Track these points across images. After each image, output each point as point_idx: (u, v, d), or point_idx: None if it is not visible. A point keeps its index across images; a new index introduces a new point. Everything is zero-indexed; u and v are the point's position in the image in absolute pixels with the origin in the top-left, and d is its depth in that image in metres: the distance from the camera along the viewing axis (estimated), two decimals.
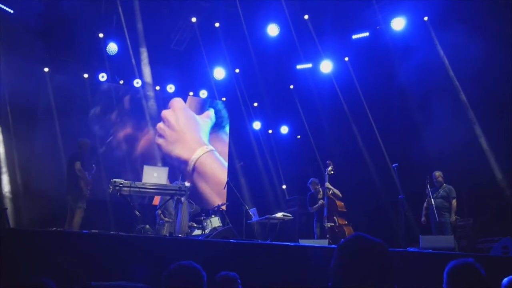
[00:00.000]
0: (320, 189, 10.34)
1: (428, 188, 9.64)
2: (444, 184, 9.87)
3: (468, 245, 9.67)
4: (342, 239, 2.11)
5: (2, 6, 11.43)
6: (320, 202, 10.10)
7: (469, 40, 10.14)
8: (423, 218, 9.94)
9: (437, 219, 9.44)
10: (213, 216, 10.89)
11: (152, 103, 14.26)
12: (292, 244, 6.84)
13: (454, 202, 9.67)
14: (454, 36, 10.61)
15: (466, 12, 10.23)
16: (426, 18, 11.50)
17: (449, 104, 10.79)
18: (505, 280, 3.26)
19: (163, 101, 14.53)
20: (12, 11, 11.57)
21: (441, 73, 11.17)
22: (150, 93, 14.19)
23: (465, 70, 10.61)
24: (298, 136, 15.18)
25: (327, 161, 10.35)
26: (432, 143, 10.97)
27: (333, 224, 9.77)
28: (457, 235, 9.53)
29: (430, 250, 7.30)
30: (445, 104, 10.77)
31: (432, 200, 9.54)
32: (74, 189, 9.42)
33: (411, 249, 7.80)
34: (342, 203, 9.98)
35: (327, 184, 10.13)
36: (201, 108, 15.06)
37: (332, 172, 10.21)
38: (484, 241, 9.64)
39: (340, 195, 10.13)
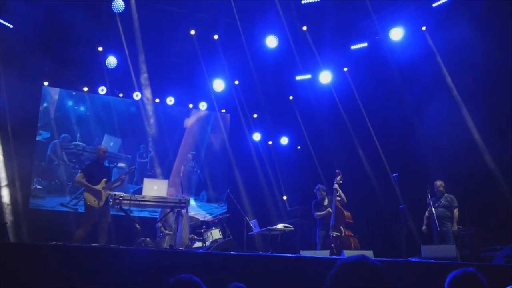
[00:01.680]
0: (326, 197, 10.28)
1: (429, 198, 9.63)
2: (446, 194, 9.85)
3: (470, 255, 9.63)
4: (344, 256, 2.08)
5: (2, 21, 11.48)
6: (328, 210, 10.02)
7: (468, 49, 10.18)
8: (424, 227, 9.92)
9: (439, 229, 9.42)
10: (213, 228, 10.87)
11: (151, 116, 14.32)
12: (293, 255, 6.81)
13: (456, 211, 9.65)
14: (452, 45, 10.65)
15: (464, 21, 10.26)
16: (424, 28, 11.54)
17: (449, 114, 10.81)
18: None
19: (163, 113, 14.58)
20: (11, 26, 11.62)
21: (440, 82, 11.19)
22: (149, 106, 14.26)
23: (464, 79, 10.63)
24: (298, 147, 15.18)
25: (337, 170, 10.27)
26: (432, 152, 10.98)
27: (339, 233, 9.71)
28: (459, 245, 9.49)
29: (432, 260, 7.27)
30: (445, 113, 10.78)
31: (433, 209, 9.52)
32: (81, 200, 9.11)
33: (413, 259, 7.78)
34: (349, 214, 9.92)
35: (336, 186, 10.05)
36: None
37: (341, 181, 10.16)
38: (486, 250, 9.61)
39: (345, 200, 10.06)
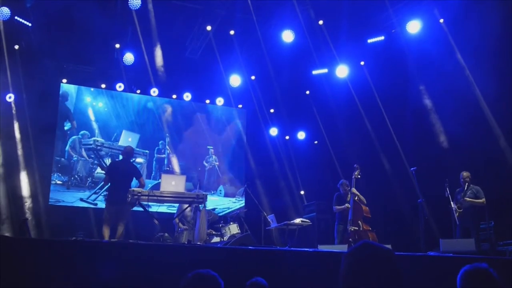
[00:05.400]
0: (349, 192, 10.24)
1: (447, 191, 9.50)
2: (471, 185, 9.68)
3: (490, 248, 9.54)
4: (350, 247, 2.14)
5: (21, 20, 11.62)
6: (346, 205, 9.98)
7: (487, 41, 10.06)
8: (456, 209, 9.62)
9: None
10: (231, 223, 10.89)
11: (168, 112, 14.47)
12: (311, 250, 6.82)
13: (483, 200, 9.46)
14: (471, 38, 10.53)
15: (483, 13, 10.14)
16: (441, 20, 11.42)
17: (467, 107, 10.70)
18: None
19: (180, 109, 14.69)
20: (30, 25, 11.77)
21: (458, 75, 11.06)
22: (166, 102, 14.39)
23: (483, 72, 10.50)
24: (315, 142, 15.15)
25: (355, 165, 10.22)
26: (450, 146, 10.88)
27: (357, 228, 9.68)
28: (478, 238, 9.39)
29: (451, 254, 7.23)
30: (463, 106, 10.68)
31: (453, 204, 9.36)
32: (128, 203, 8.75)
33: (432, 253, 7.73)
34: (368, 209, 9.87)
35: (354, 190, 10.01)
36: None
37: (359, 176, 10.10)
38: (506, 244, 9.52)
39: (365, 201, 10.03)
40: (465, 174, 9.74)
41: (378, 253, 2.03)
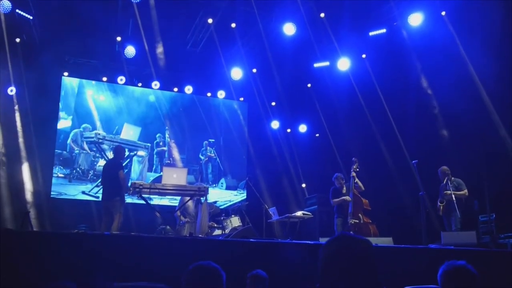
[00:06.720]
0: (345, 185, 10.21)
1: (449, 184, 9.49)
2: (452, 178, 9.68)
3: (490, 241, 9.54)
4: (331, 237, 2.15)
5: (22, 13, 11.61)
6: (346, 197, 9.95)
7: (489, 34, 10.02)
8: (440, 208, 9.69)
9: (459, 214, 9.24)
10: (233, 216, 10.91)
11: (170, 105, 14.49)
12: (312, 242, 6.84)
13: (465, 192, 9.48)
14: (473, 31, 10.49)
15: (484, 5, 10.10)
16: (443, 13, 11.38)
17: (469, 100, 10.68)
18: None
19: (181, 102, 14.70)
20: (31, 17, 11.75)
21: (460, 68, 11.03)
22: (167, 95, 14.38)
23: (485, 65, 10.47)
24: (317, 135, 15.14)
25: (353, 158, 10.19)
26: (452, 138, 10.86)
27: (357, 221, 9.66)
28: (478, 231, 9.37)
29: (452, 247, 7.24)
30: (465, 99, 10.65)
31: (453, 195, 9.35)
32: (117, 196, 9.21)
33: (433, 246, 7.75)
34: (367, 201, 9.86)
35: (353, 174, 9.98)
36: None
37: (357, 169, 10.08)
38: (507, 236, 9.52)
39: (363, 188, 9.99)
40: (443, 168, 9.71)
41: (354, 245, 2.05)
